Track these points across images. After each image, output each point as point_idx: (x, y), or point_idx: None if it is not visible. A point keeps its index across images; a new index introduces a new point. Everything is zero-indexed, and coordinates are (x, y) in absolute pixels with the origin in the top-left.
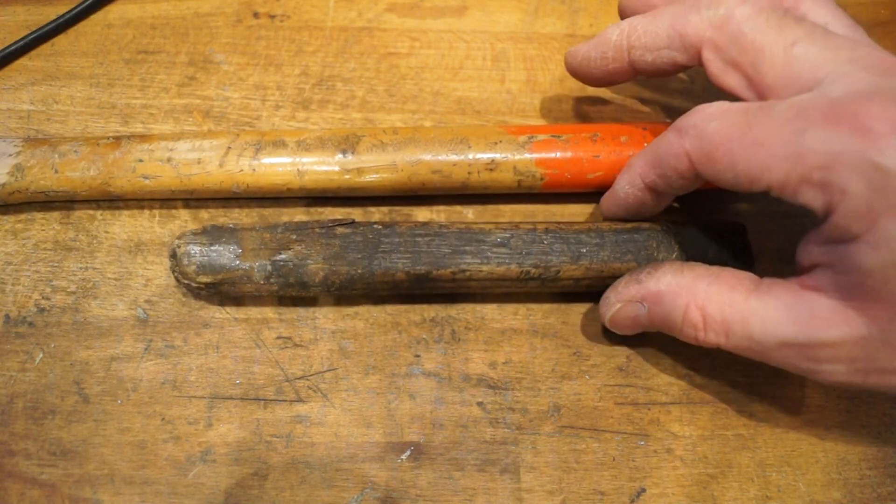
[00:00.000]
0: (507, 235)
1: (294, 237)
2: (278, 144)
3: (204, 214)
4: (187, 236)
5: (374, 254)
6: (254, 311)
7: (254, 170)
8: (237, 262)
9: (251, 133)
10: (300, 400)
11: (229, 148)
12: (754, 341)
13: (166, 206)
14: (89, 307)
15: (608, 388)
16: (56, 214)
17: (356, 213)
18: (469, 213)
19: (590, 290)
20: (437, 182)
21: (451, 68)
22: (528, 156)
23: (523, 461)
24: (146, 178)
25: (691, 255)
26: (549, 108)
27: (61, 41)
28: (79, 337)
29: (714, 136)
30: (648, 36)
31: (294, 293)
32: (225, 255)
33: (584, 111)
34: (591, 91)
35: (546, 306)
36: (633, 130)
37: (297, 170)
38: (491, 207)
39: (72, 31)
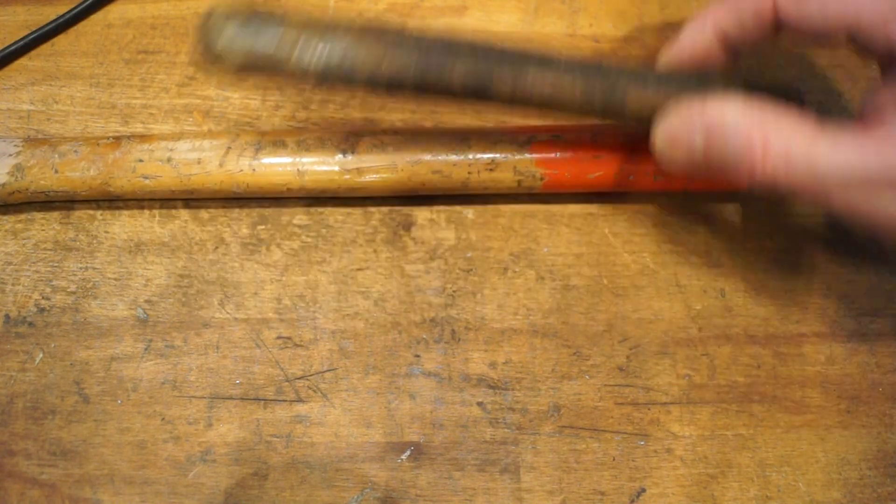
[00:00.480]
0: (576, 62)
1: (344, 27)
2: (278, 144)
3: (204, 214)
4: (222, 8)
5: (430, 54)
6: (254, 311)
7: (254, 170)
8: (276, 43)
9: (251, 133)
10: (300, 400)
11: (229, 148)
12: (817, 176)
13: (166, 206)
14: (89, 307)
15: (608, 388)
16: (56, 214)
17: (356, 213)
18: (469, 213)
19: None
20: (437, 182)
21: None
22: (528, 156)
23: (523, 461)
24: (146, 178)
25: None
26: None
27: (61, 41)
28: (79, 337)
29: None
30: None
31: (336, 83)
32: (264, 33)
33: None
34: None
35: (546, 306)
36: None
37: (297, 170)
38: (491, 208)
39: (72, 31)
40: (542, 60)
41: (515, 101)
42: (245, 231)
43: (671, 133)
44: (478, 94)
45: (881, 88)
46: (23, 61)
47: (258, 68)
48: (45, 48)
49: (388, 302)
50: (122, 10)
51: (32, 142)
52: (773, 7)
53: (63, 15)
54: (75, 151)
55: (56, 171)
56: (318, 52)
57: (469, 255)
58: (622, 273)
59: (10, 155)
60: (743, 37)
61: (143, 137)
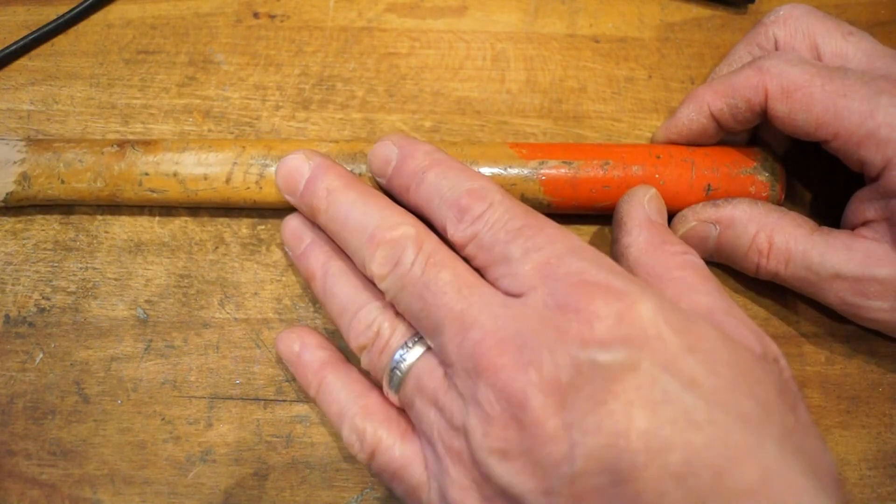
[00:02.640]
0: None
1: None
2: None
3: (204, 215)
4: None
5: None
6: (254, 311)
7: (261, 188)
8: None
9: (257, 145)
10: (300, 400)
11: (235, 163)
12: (812, 271)
13: (166, 206)
14: (89, 307)
15: None
16: (56, 215)
17: None
18: None
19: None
20: None
21: (451, 68)
22: (536, 182)
23: None
24: (153, 191)
25: None
26: (549, 108)
27: (61, 41)
28: (79, 337)
29: (797, 79)
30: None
31: None
32: None
33: (583, 111)
34: (591, 90)
35: None
36: (645, 158)
37: None
38: None
39: (72, 31)
40: None
41: None
42: (245, 231)
43: (689, 233)
44: None
45: (861, 194)
46: (23, 61)
47: None
48: (45, 48)
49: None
50: (122, 10)
51: (35, 145)
52: (764, 101)
53: (63, 15)
54: (80, 161)
55: (63, 182)
56: None
57: None
58: None
59: (16, 162)
60: (734, 122)
61: (148, 146)
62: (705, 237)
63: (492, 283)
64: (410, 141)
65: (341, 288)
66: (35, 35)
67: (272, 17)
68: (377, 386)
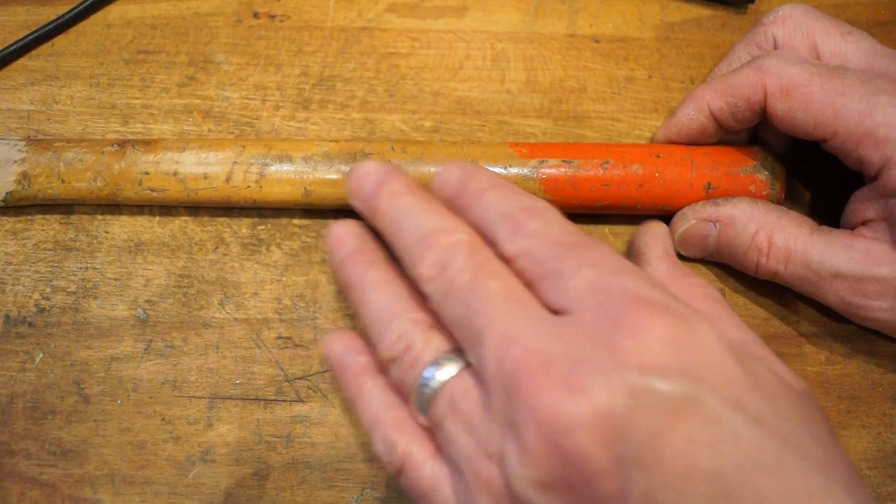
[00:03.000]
0: None
1: None
2: (284, 160)
3: (204, 215)
4: None
5: None
6: (254, 311)
7: (260, 187)
8: None
9: (257, 145)
10: (300, 400)
11: (235, 163)
12: (812, 270)
13: (166, 206)
14: (89, 307)
15: None
16: (56, 215)
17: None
18: None
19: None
20: None
21: (451, 68)
22: (536, 181)
23: None
24: (153, 190)
25: None
26: (549, 108)
27: (61, 41)
28: (79, 337)
29: (796, 77)
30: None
31: None
32: None
33: (583, 111)
34: (591, 90)
35: None
36: (645, 157)
37: (304, 188)
38: None
39: (72, 31)
40: None
41: None
42: (245, 231)
43: (689, 231)
44: None
45: (860, 194)
46: (23, 61)
47: None
48: (45, 48)
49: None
50: (122, 10)
51: (35, 144)
52: (763, 99)
53: (63, 15)
54: (80, 160)
55: (63, 181)
56: None
57: None
58: None
59: (16, 161)
60: (733, 121)
61: (148, 146)
62: (705, 235)
63: (540, 298)
64: (475, 166)
65: (378, 297)
66: (35, 35)
67: (272, 17)
68: None
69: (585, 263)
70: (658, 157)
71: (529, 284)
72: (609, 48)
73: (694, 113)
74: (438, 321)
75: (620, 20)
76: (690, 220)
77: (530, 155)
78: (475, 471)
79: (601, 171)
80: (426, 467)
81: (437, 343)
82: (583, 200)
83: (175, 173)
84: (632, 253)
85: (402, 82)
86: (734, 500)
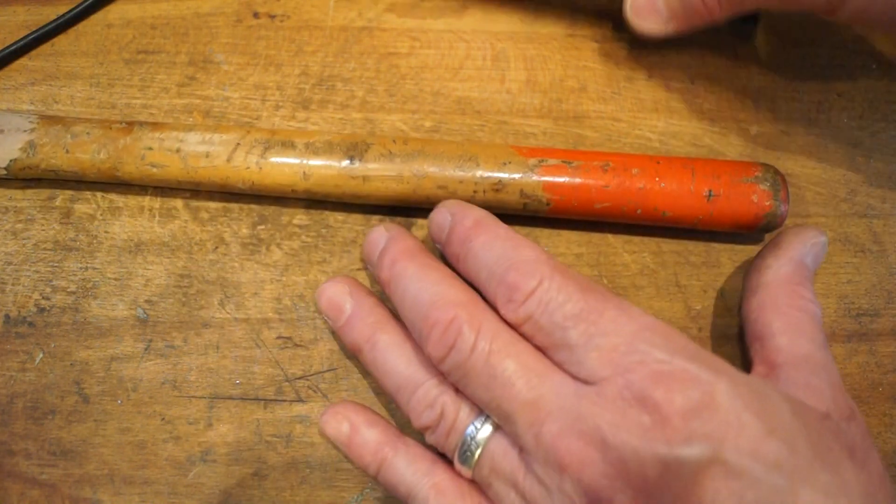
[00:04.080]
0: None
1: None
2: (287, 145)
3: (204, 214)
4: None
5: None
6: (254, 311)
7: (260, 168)
8: None
9: (262, 131)
10: (300, 400)
11: (238, 144)
12: None
13: (166, 206)
14: (89, 307)
15: None
16: (56, 214)
17: (357, 214)
18: None
19: None
20: (442, 197)
21: (451, 68)
22: (536, 179)
23: None
24: (154, 166)
25: None
26: (549, 107)
27: (61, 41)
28: (79, 337)
29: None
30: None
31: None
32: None
33: (583, 111)
34: (591, 90)
35: None
36: (645, 163)
37: (304, 172)
38: None
39: (72, 31)
40: None
41: None
42: (245, 231)
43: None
44: None
45: None
46: (23, 61)
47: None
48: (45, 48)
49: (388, 301)
50: (122, 10)
51: (48, 119)
52: None
53: (63, 15)
54: (88, 133)
55: (67, 151)
56: None
57: None
58: (622, 273)
59: (25, 131)
60: None
61: (156, 125)
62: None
63: (558, 366)
64: (462, 207)
65: (394, 363)
66: (35, 35)
67: (272, 17)
68: (441, 456)
69: (595, 333)
70: (658, 163)
71: (542, 349)
72: (609, 48)
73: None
74: None
75: (621, 20)
76: None
77: (530, 154)
78: None
79: (601, 173)
80: None
81: (469, 406)
82: (583, 201)
83: (178, 150)
84: (772, 241)
85: (402, 82)
86: None
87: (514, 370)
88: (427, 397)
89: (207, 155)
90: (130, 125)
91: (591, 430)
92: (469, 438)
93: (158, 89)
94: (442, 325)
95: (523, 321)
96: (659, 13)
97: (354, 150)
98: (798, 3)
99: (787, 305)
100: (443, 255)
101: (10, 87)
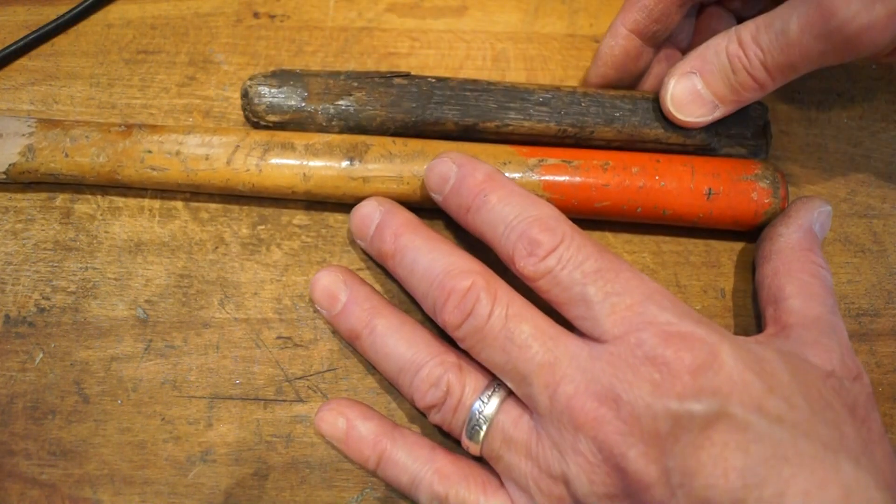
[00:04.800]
0: (549, 96)
1: (356, 84)
2: (286, 147)
3: (204, 214)
4: (258, 78)
5: (427, 104)
6: (254, 311)
7: (260, 170)
8: (303, 104)
9: (261, 133)
10: (300, 400)
11: (238, 146)
12: (786, 40)
13: (166, 206)
14: (89, 307)
15: None
16: (56, 214)
17: None
18: None
19: (620, 149)
20: None
21: (451, 68)
22: (536, 178)
23: None
24: (153, 169)
25: (716, 126)
26: None
27: (61, 41)
28: (79, 337)
29: None
30: None
31: (352, 131)
32: (292, 97)
33: None
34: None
35: (546, 307)
36: (645, 161)
37: (304, 174)
38: None
39: (72, 31)
40: (521, 106)
41: (500, 139)
42: (245, 231)
43: (677, 89)
44: (468, 135)
45: None
46: (23, 61)
47: (291, 123)
48: (45, 48)
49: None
50: (122, 10)
51: (46, 123)
52: None
53: (63, 15)
54: (86, 137)
55: (66, 155)
56: (335, 111)
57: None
58: None
59: (24, 135)
60: (653, 25)
61: (154, 128)
62: (692, 87)
63: (570, 321)
64: (470, 159)
65: (394, 347)
66: (35, 35)
67: (272, 17)
68: (440, 441)
69: (612, 292)
70: (658, 161)
71: (554, 305)
72: None
73: (612, 40)
74: (462, 355)
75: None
76: (672, 78)
77: (530, 154)
78: (544, 491)
79: (601, 172)
80: None
81: (474, 382)
82: (582, 200)
83: (177, 153)
84: (784, 212)
85: None
86: (765, 489)
87: (530, 333)
88: (431, 376)
89: (207, 157)
90: (129, 128)
91: (606, 389)
92: (477, 413)
93: (158, 89)
94: (459, 292)
95: (541, 275)
96: (704, 101)
97: (354, 150)
98: (857, 53)
99: (799, 270)
100: (439, 205)
101: (10, 87)
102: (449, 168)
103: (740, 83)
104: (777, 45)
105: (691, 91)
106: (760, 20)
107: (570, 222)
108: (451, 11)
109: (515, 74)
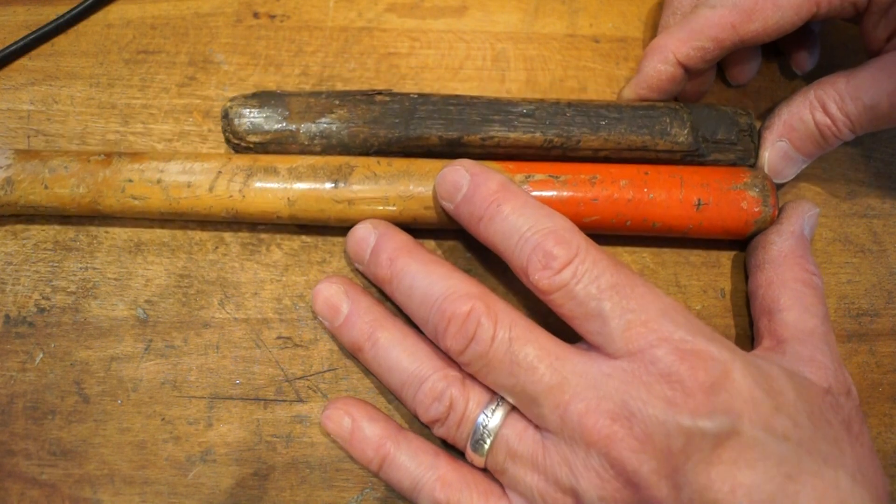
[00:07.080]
0: (533, 107)
1: (337, 102)
2: (269, 171)
3: None
4: (238, 99)
5: (410, 119)
6: (254, 311)
7: (244, 196)
8: (284, 124)
9: (243, 157)
10: (300, 400)
11: (220, 172)
12: (876, 114)
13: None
14: (89, 307)
15: None
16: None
17: None
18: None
19: (607, 160)
20: (429, 218)
21: (451, 68)
22: None
23: None
24: (135, 198)
25: (702, 132)
26: None
27: (61, 41)
28: (79, 337)
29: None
30: None
31: (336, 153)
32: (273, 116)
33: None
34: (591, 90)
35: (545, 308)
36: (633, 174)
37: (288, 198)
38: None
39: (72, 31)
40: (505, 118)
41: (485, 153)
42: (245, 231)
43: (772, 156)
44: (453, 150)
45: (866, 21)
46: (23, 61)
47: (273, 143)
48: (45, 48)
49: (387, 301)
50: (122, 10)
51: (24, 154)
52: (733, 34)
53: (63, 15)
54: (65, 167)
55: (46, 187)
56: (317, 130)
57: (468, 255)
58: None
59: (1, 167)
60: (702, 63)
61: (135, 156)
62: (784, 153)
63: (582, 335)
64: (483, 168)
65: (396, 360)
66: (35, 35)
67: (272, 17)
68: (444, 448)
69: (628, 308)
70: (647, 174)
71: (567, 318)
72: (609, 48)
73: (661, 65)
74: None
75: (620, 20)
76: (766, 148)
77: (517, 170)
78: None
79: (589, 186)
80: None
81: (477, 395)
82: (571, 216)
83: (158, 181)
84: (778, 216)
85: (402, 82)
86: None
87: (535, 355)
88: (434, 390)
89: (189, 185)
90: (109, 157)
91: (618, 406)
92: (481, 427)
93: (158, 89)
94: (459, 317)
95: (556, 289)
96: (795, 161)
97: (338, 173)
98: None
99: (793, 280)
100: (450, 214)
101: (10, 87)
102: (461, 176)
103: (829, 144)
104: (867, 118)
105: (783, 157)
106: (843, 87)
107: (584, 235)
108: (451, 11)
109: (515, 74)
